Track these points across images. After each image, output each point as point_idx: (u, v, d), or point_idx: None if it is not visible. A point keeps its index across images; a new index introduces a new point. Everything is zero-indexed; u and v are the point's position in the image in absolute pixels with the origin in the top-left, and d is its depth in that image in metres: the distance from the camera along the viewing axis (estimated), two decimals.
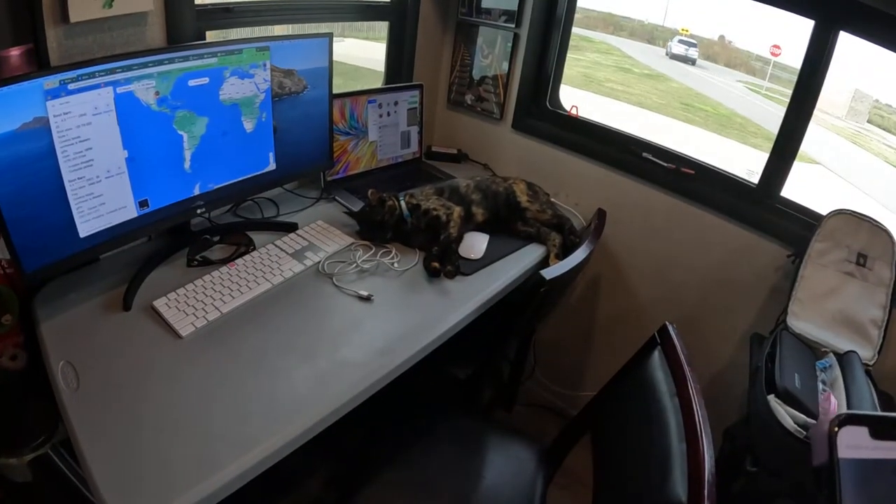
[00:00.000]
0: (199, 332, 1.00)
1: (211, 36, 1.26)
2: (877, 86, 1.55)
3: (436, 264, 1.20)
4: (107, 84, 0.93)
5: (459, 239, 1.29)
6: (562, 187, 1.69)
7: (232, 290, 1.10)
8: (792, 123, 1.33)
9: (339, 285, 1.15)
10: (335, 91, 1.38)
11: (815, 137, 1.77)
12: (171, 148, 1.07)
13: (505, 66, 1.69)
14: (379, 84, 1.80)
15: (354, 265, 1.21)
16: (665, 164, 1.52)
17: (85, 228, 0.99)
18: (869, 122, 1.69)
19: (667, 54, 2.47)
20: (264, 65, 1.17)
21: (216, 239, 1.26)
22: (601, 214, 1.51)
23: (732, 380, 1.48)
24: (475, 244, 1.33)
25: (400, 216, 1.32)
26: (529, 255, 1.37)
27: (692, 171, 1.50)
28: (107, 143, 0.97)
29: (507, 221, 1.43)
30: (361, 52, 1.98)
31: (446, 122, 1.94)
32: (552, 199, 1.57)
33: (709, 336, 1.53)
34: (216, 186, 1.19)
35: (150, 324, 1.00)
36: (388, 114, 1.65)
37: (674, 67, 2.46)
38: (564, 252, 1.37)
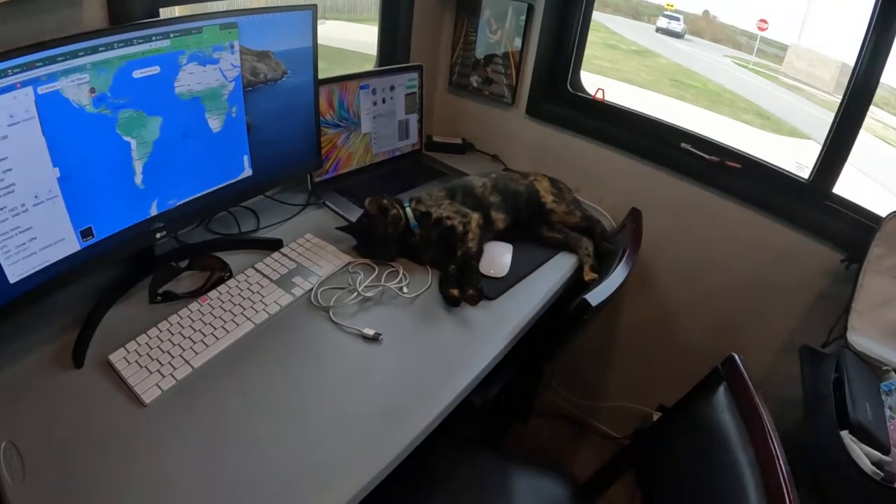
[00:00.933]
0: (166, 396, 0.79)
1: (167, 14, 1.01)
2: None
3: (455, 292, 0.99)
4: (24, 83, 0.69)
5: (479, 252, 1.08)
6: (584, 181, 1.48)
7: (205, 335, 0.89)
8: (849, 113, 1.15)
9: (337, 322, 0.94)
10: (321, 76, 1.14)
11: (806, 113, 1.86)
12: (116, 159, 0.84)
13: (518, 42, 1.46)
14: (369, 68, 1.56)
15: (355, 294, 0.99)
16: (707, 157, 1.32)
17: (14, 272, 0.76)
18: None
19: (657, 30, 2.41)
20: (231, 46, 0.93)
21: (184, 265, 1.03)
22: (636, 215, 1.31)
23: (771, 390, 1.32)
24: (497, 258, 1.13)
25: (406, 227, 1.10)
26: (560, 268, 1.17)
27: (738, 165, 1.30)
28: (31, 161, 0.73)
29: (530, 226, 1.23)
30: (345, 34, 1.73)
31: (447, 107, 1.71)
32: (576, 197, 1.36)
33: (745, 343, 1.39)
34: (178, 203, 0.96)
35: (107, 386, 0.80)
36: (384, 100, 1.41)
37: (661, 43, 2.39)
38: (598, 260, 1.17)
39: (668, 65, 2.43)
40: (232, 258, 1.07)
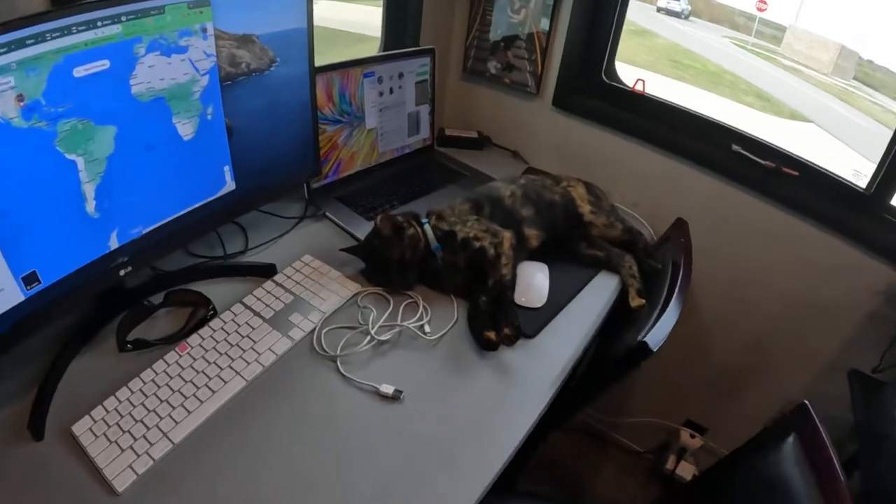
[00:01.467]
0: (143, 480, 0.63)
1: None
2: (862, 42, 1.49)
3: (491, 335, 0.82)
4: None
5: (514, 279, 0.90)
6: (616, 183, 1.30)
7: (186, 397, 0.72)
8: None
9: (348, 375, 0.76)
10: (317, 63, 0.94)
11: (806, 95, 1.84)
12: (59, 184, 0.65)
13: (545, 23, 1.26)
14: (373, 52, 1.35)
15: (367, 339, 0.82)
16: (762, 162, 1.15)
17: None
18: (855, 78, 1.65)
19: (658, 10, 2.40)
20: (203, 30, 0.74)
21: (159, 302, 0.85)
22: (682, 228, 1.14)
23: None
24: (533, 284, 0.95)
25: (426, 249, 0.92)
26: (601, 292, 1.00)
27: (796, 173, 1.13)
28: None
29: (566, 241, 1.05)
30: (340, 14, 1.52)
31: (461, 97, 1.51)
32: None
33: (780, 361, 1.28)
34: (145, 231, 0.77)
35: (72, 465, 0.64)
36: (391, 90, 1.22)
37: (660, 23, 2.35)
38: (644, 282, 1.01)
39: (666, 45, 2.36)
40: (216, 289, 0.89)
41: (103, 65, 0.64)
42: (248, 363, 0.77)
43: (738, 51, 2.11)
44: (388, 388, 0.74)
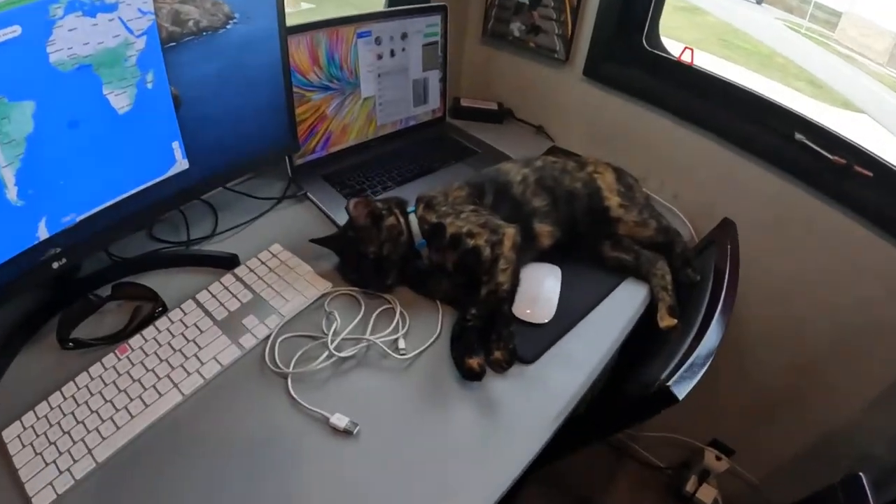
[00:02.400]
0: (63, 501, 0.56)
1: None
2: None
3: (474, 363, 0.68)
4: None
5: (514, 288, 0.76)
6: (653, 169, 1.13)
7: (117, 408, 0.63)
8: None
9: (296, 398, 0.65)
10: (295, 22, 0.80)
11: (860, 84, 1.74)
12: None
13: None
14: (377, 8, 1.19)
15: (326, 354, 0.70)
16: (831, 157, 0.94)
17: None
18: None
19: None
20: None
21: (106, 295, 0.76)
22: (729, 231, 0.96)
23: (862, 445, 1.08)
24: (541, 294, 0.80)
25: (408, 244, 0.79)
26: (624, 306, 0.85)
27: (869, 174, 0.92)
28: None
29: (588, 239, 0.89)
30: None
31: (480, 63, 1.34)
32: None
33: (831, 386, 1.11)
34: (79, 218, 0.66)
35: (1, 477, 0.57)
36: (392, 53, 1.06)
37: (710, 1, 2.23)
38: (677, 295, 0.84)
39: (716, 23, 2.27)
40: (172, 281, 0.79)
41: (13, 31, 0.52)
42: (189, 374, 0.67)
43: (792, 34, 2.11)
44: (340, 420, 0.62)
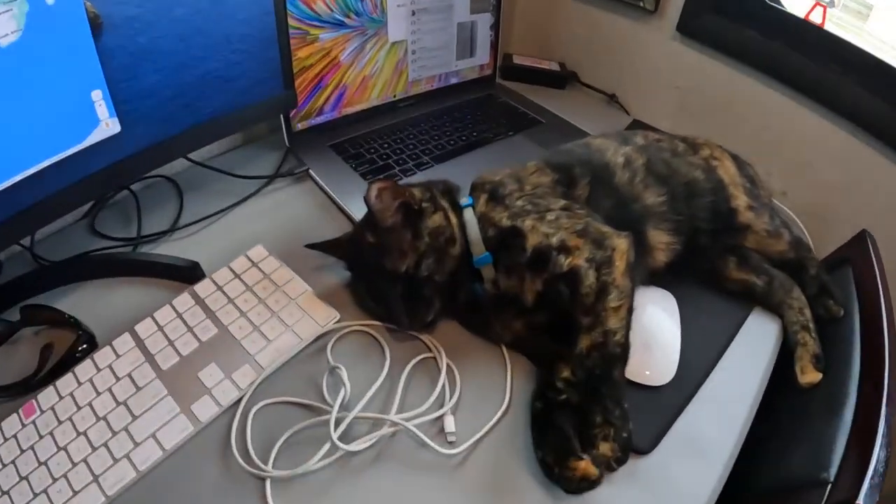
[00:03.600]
0: None
1: None
2: None
3: (582, 469, 0.41)
4: None
5: (628, 339, 0.47)
6: (761, 157, 0.84)
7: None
8: None
9: None
10: None
11: None
12: None
13: None
14: None
15: (328, 447, 0.42)
16: None
17: None
18: None
19: None
20: None
21: (16, 319, 0.49)
22: (866, 246, 0.68)
23: None
24: (656, 339, 0.52)
25: (462, 258, 0.51)
26: (757, 351, 0.57)
27: None
28: None
29: (709, 254, 0.61)
30: None
31: (539, 12, 1.04)
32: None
33: None
34: None
35: None
36: None
37: None
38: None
39: None
40: (107, 300, 0.54)
41: None
42: (115, 461, 0.41)
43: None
44: None
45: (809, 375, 0.54)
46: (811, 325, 0.57)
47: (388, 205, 0.49)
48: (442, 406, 0.45)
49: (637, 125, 0.92)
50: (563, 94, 1.00)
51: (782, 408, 0.58)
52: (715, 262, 0.62)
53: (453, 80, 0.88)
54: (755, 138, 0.85)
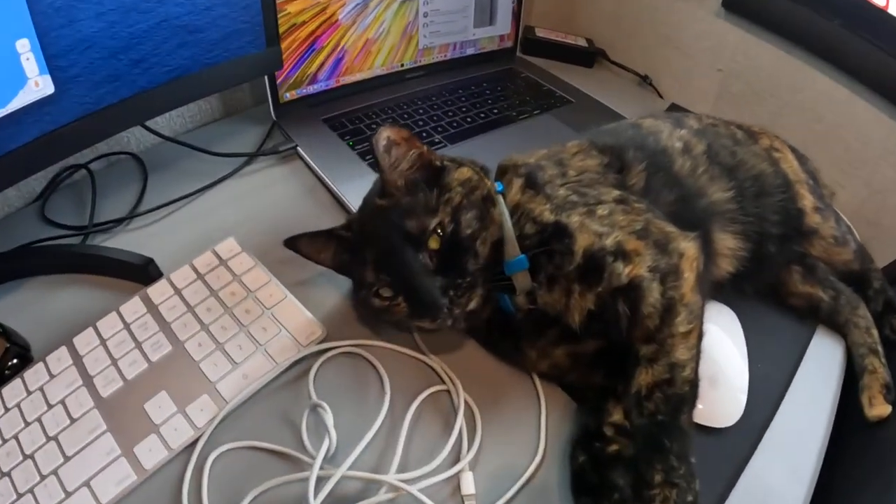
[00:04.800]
0: None
1: None
2: None
3: None
4: None
5: (697, 372, 0.37)
6: (806, 148, 0.74)
7: None
8: None
9: None
10: None
11: None
12: None
13: None
14: None
15: None
16: None
17: None
18: None
19: None
20: None
21: None
22: None
23: None
24: (721, 370, 0.43)
25: (490, 259, 0.39)
26: (825, 379, 0.48)
27: None
28: None
29: (772, 263, 0.50)
30: None
31: None
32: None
33: None
34: None
35: None
36: None
37: None
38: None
39: None
40: (47, 302, 0.44)
41: None
42: None
43: None
44: None
45: (879, 408, 0.46)
46: (879, 349, 0.49)
47: (402, 153, 0.39)
48: (458, 459, 0.35)
49: (676, 110, 0.81)
50: (591, 73, 0.89)
51: (850, 444, 0.49)
52: (779, 273, 0.52)
53: (469, 51, 0.77)
54: (805, 130, 0.76)
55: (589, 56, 0.89)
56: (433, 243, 0.37)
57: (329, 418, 0.34)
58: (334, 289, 0.45)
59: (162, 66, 0.42)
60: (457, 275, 0.37)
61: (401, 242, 0.37)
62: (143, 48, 0.41)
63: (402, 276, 0.38)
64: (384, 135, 0.38)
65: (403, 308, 0.38)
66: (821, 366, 0.49)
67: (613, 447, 0.36)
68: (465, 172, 0.40)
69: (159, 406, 0.37)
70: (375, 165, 0.40)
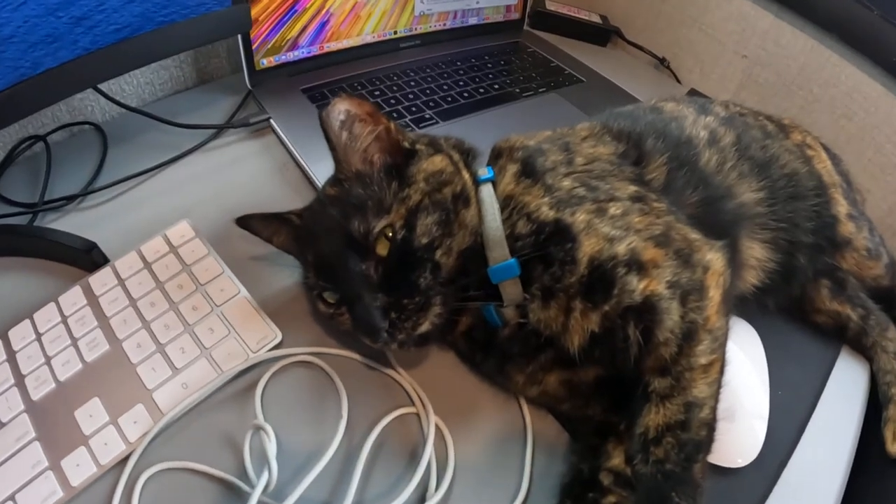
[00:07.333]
0: None
1: None
2: None
3: None
4: None
5: (716, 411, 0.32)
6: (835, 147, 0.68)
7: None
8: None
9: None
10: None
11: None
12: None
13: None
14: None
15: None
16: None
17: None
18: None
19: None
20: None
21: None
22: None
23: None
24: (741, 402, 0.38)
25: (473, 257, 0.33)
26: (844, 410, 0.43)
27: None
28: None
29: (800, 276, 0.45)
30: None
31: None
32: None
33: None
34: None
35: None
36: None
37: None
38: None
39: None
40: None
41: None
42: None
43: None
44: None
45: None
46: None
47: (363, 131, 0.34)
48: (423, 499, 0.31)
49: (693, 96, 0.75)
50: (604, 52, 0.82)
51: (870, 482, 0.45)
52: (806, 287, 0.47)
53: (472, 20, 0.70)
54: (833, 128, 0.70)
55: (603, 34, 0.82)
56: (380, 249, 0.32)
57: (271, 448, 0.30)
58: (298, 283, 0.41)
59: (108, 23, 0.37)
60: (404, 293, 0.31)
61: (342, 246, 0.32)
62: (86, 3, 0.36)
63: (341, 287, 0.33)
64: (341, 107, 0.32)
65: (348, 319, 0.34)
66: (844, 394, 0.44)
67: (610, 499, 0.31)
68: (436, 162, 0.34)
69: (90, 415, 0.33)
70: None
